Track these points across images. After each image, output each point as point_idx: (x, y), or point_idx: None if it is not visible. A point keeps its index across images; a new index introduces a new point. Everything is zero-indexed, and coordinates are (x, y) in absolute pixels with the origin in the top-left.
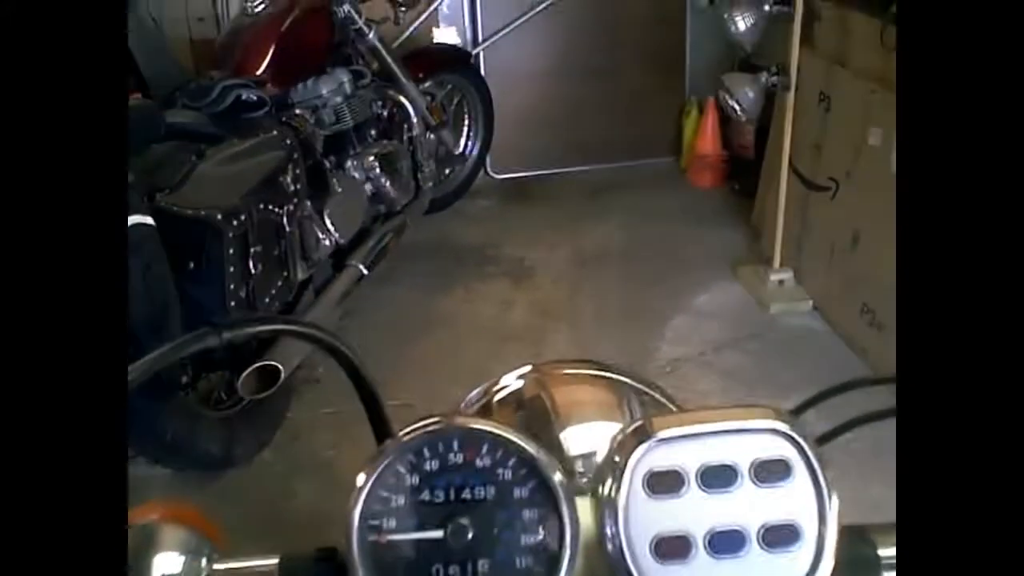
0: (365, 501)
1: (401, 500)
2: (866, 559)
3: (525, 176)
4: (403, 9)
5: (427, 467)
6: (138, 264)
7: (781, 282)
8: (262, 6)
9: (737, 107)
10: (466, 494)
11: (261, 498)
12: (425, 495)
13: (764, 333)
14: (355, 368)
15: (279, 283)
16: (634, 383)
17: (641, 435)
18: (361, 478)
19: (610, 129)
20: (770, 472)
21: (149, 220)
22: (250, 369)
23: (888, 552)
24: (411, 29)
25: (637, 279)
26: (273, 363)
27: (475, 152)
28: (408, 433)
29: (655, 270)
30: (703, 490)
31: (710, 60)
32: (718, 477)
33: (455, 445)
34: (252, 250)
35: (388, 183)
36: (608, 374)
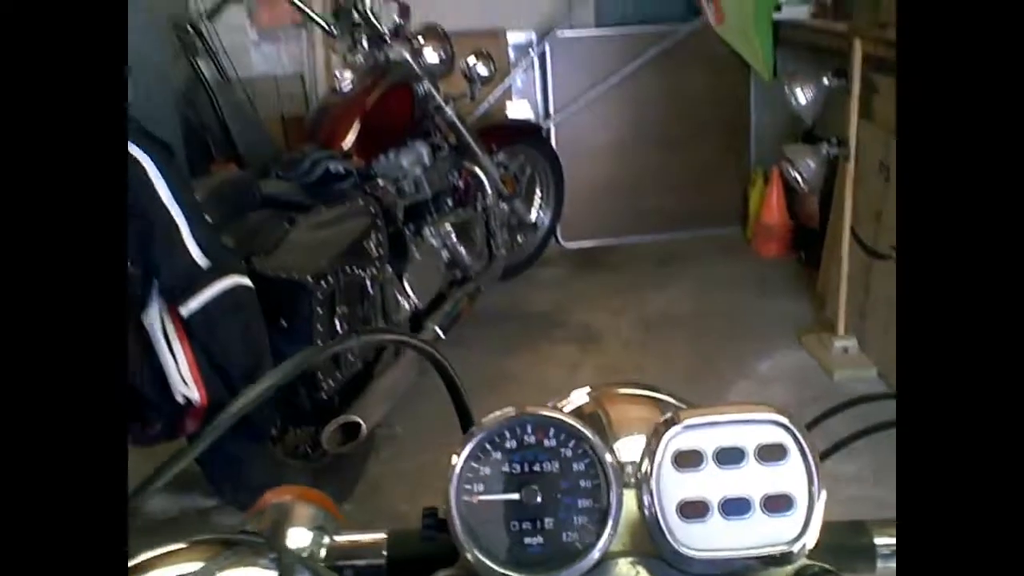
0: (461, 470)
1: (487, 470)
2: (863, 546)
3: (594, 245)
4: (479, 85)
5: (507, 445)
6: (238, 321)
7: (845, 349)
8: (349, 85)
9: (799, 178)
10: (536, 467)
11: None
12: (505, 467)
13: (828, 399)
14: (453, 381)
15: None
16: (677, 403)
17: (671, 423)
18: (457, 453)
19: (677, 199)
20: (771, 454)
21: (247, 281)
22: (334, 423)
23: (883, 541)
24: (486, 104)
25: (702, 345)
26: (355, 418)
27: (546, 221)
28: (493, 420)
29: (720, 337)
30: (718, 466)
31: (775, 132)
32: (730, 456)
33: (529, 429)
34: (338, 310)
35: (463, 250)
36: (656, 395)
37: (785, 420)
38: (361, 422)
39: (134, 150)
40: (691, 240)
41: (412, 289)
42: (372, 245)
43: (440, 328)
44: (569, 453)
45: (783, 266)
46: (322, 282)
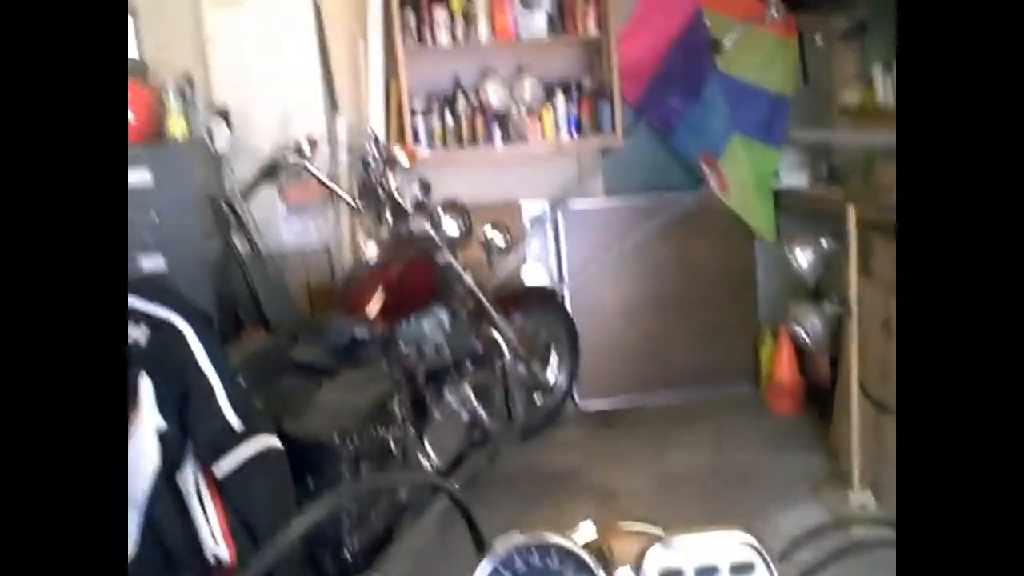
0: None
1: None
2: None
3: (611, 407)
4: (495, 254)
5: (516, 566)
6: (268, 483)
7: (863, 505)
8: (374, 257)
9: (806, 336)
10: None
11: None
12: None
13: (846, 554)
14: (468, 514)
15: (384, 501)
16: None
17: (656, 543)
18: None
19: (690, 359)
20: (741, 569)
21: (278, 443)
22: None
23: None
24: (503, 272)
25: (718, 501)
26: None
27: (563, 383)
28: (503, 545)
29: (736, 492)
30: None
31: (781, 291)
32: (707, 572)
33: (534, 552)
34: (363, 470)
35: (482, 412)
36: (653, 530)
37: (753, 541)
38: None
39: (175, 318)
40: (705, 399)
41: (433, 449)
42: (395, 407)
43: (460, 487)
44: (570, 573)
45: (797, 422)
46: (347, 443)
